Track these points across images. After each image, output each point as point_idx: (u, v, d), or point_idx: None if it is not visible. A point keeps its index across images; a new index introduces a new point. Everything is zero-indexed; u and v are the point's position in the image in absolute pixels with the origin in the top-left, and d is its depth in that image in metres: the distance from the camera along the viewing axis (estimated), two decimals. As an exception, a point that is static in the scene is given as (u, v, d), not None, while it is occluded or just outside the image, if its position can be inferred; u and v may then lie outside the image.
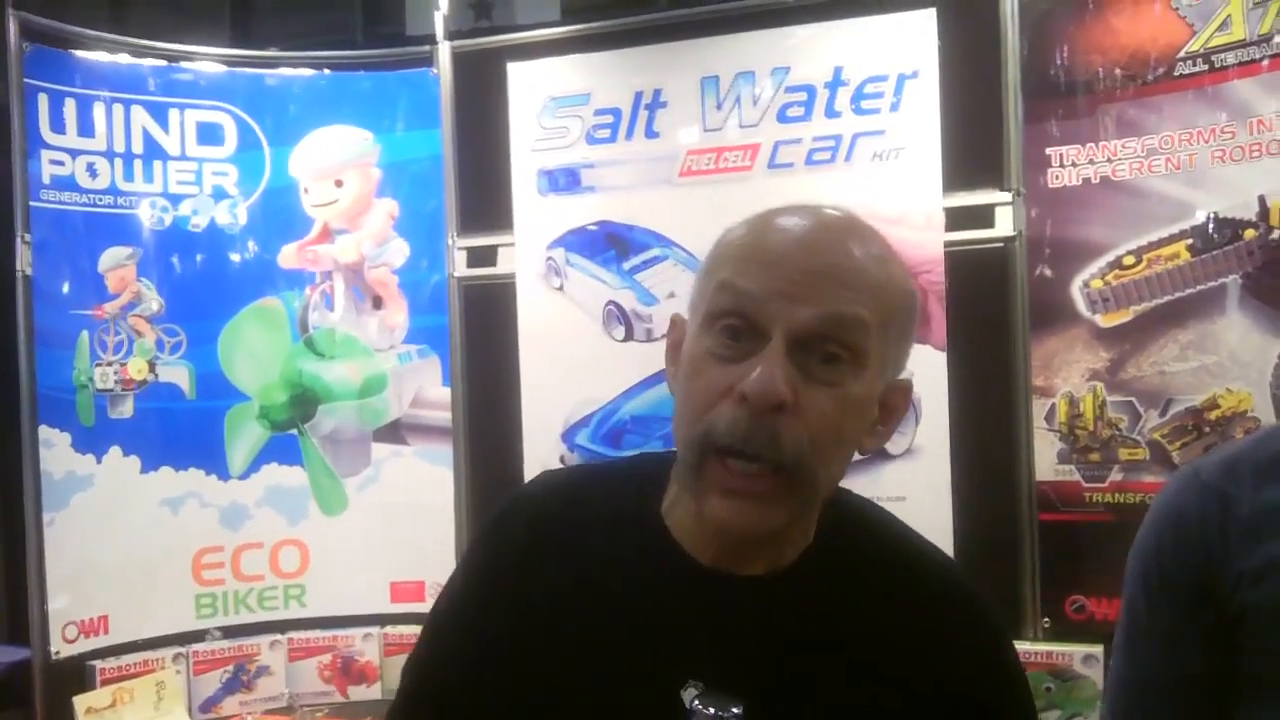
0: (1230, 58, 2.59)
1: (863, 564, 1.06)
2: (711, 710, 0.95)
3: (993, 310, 2.81)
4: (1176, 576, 1.27)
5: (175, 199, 3.26)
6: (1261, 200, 2.53)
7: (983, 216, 2.82)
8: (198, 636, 3.25)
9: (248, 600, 3.31)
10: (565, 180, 3.21)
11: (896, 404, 1.04)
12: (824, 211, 1.01)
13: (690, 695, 0.96)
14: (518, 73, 3.26)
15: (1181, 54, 2.65)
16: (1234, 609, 1.22)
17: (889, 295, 0.98)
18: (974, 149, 2.85)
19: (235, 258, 3.33)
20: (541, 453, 3.20)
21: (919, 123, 2.88)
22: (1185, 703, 1.25)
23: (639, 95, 3.15)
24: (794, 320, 0.93)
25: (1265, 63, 2.54)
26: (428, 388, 3.38)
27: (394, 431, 3.38)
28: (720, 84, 3.08)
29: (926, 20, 2.89)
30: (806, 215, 1.00)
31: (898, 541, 1.12)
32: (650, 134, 3.14)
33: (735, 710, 0.95)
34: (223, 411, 3.30)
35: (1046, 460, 2.76)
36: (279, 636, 3.33)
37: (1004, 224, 2.80)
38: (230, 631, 3.29)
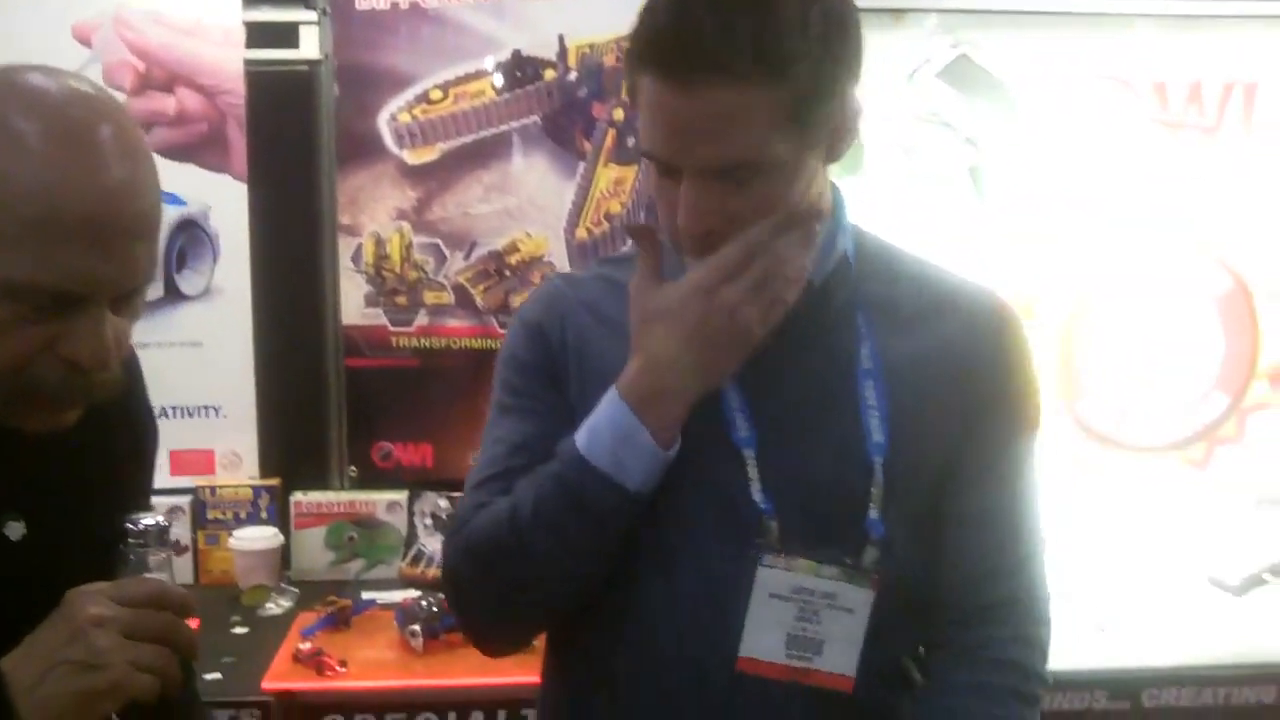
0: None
1: None
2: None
3: (298, 139, 2.59)
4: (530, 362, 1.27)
5: None
6: (561, 40, 2.46)
7: (286, 35, 2.56)
8: None
9: None
10: None
11: None
12: (90, 102, 0.91)
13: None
14: None
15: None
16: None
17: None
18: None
19: None
20: None
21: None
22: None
23: None
24: (120, 288, 0.94)
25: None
26: None
27: None
28: None
29: None
30: (74, 123, 0.89)
31: None
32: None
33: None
34: None
35: (353, 303, 2.62)
36: None
37: (309, 45, 2.57)
38: None
